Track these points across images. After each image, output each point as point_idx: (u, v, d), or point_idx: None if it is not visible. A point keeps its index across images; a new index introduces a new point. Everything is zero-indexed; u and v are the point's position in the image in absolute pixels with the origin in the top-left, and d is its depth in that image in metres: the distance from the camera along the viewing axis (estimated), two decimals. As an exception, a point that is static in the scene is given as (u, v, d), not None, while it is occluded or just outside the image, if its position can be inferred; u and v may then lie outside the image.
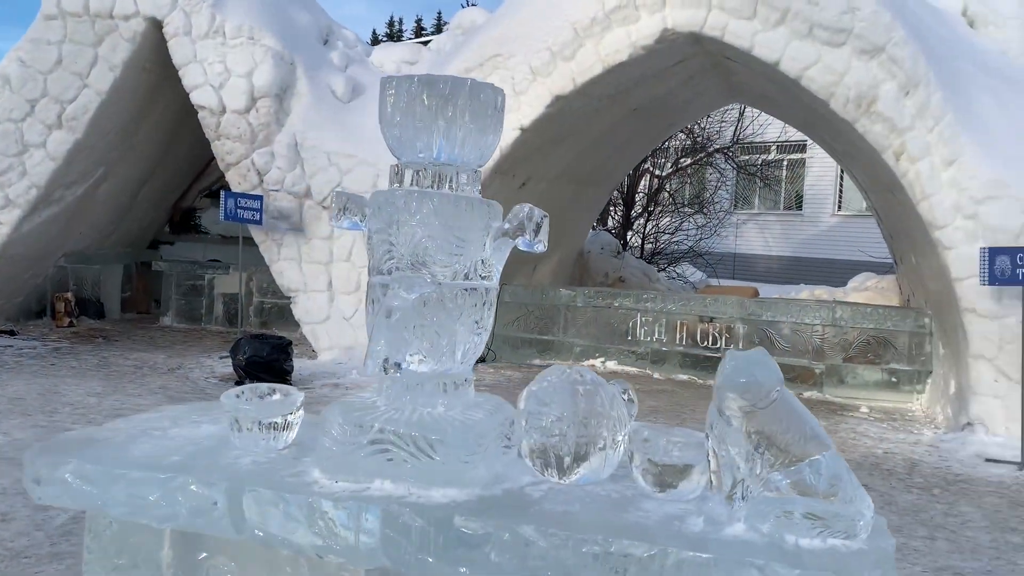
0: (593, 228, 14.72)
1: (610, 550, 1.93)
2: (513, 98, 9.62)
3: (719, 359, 10.66)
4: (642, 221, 16.53)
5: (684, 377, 10.73)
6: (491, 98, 2.38)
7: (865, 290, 13.02)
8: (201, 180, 14.32)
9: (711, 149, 16.93)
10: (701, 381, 10.64)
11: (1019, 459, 7.51)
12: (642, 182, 16.43)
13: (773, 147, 18.92)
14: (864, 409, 9.64)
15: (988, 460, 7.61)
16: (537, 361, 11.35)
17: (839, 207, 19.30)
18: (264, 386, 2.77)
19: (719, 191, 18.11)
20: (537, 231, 2.33)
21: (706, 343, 10.70)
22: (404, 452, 2.26)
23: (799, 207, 19.85)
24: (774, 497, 1.95)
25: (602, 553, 1.94)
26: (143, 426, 2.85)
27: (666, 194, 16.90)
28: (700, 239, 16.83)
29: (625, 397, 2.42)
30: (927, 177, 8.32)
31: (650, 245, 16.56)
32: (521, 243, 2.36)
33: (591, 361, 11.17)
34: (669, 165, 16.70)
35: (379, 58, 11.42)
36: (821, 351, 10.26)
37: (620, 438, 2.34)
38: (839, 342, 10.22)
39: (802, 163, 19.39)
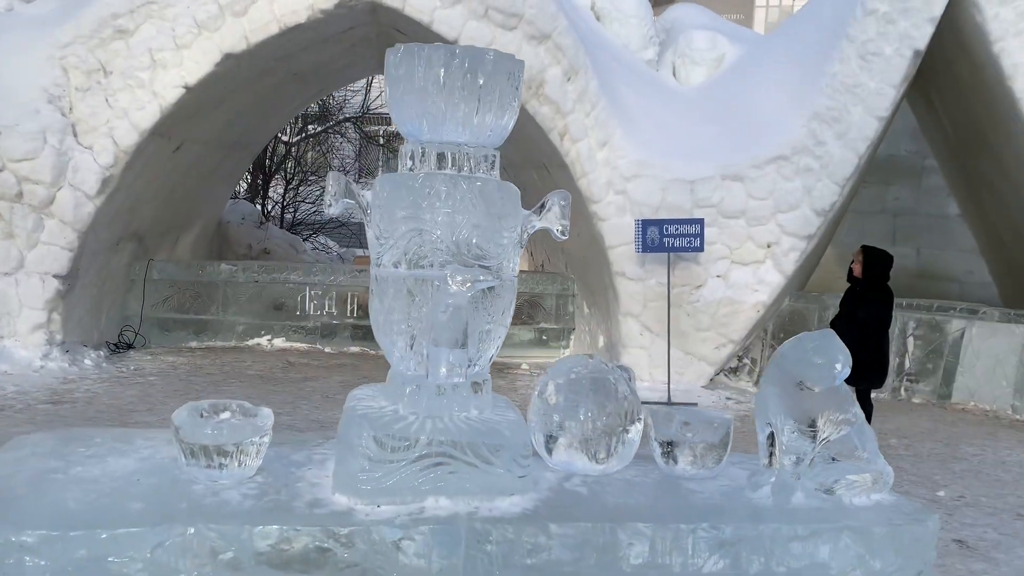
0: (234, 197, 13.85)
1: (721, 535, 2.00)
2: (175, 52, 8.67)
3: (389, 329, 10.84)
4: (280, 190, 15.90)
5: (356, 349, 10.71)
6: (518, 76, 2.23)
7: (499, 257, 14.00)
8: None
9: (340, 118, 16.84)
10: (374, 352, 10.69)
11: (666, 399, 8.82)
12: (277, 148, 15.77)
13: (394, 118, 19.28)
14: (524, 366, 10.50)
15: (643, 403, 8.82)
16: (194, 343, 10.48)
17: (456, 178, 20.43)
18: (205, 403, 2.29)
19: (356, 161, 18.10)
20: (564, 215, 2.25)
21: (375, 314, 10.76)
22: (463, 463, 2.06)
23: (421, 178, 20.57)
24: (832, 465, 2.17)
25: (711, 538, 2.00)
26: (27, 470, 2.17)
27: (292, 162, 16.43)
28: (338, 209, 16.64)
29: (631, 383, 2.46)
30: (586, 157, 9.26)
31: (289, 215, 16.03)
32: (554, 231, 2.26)
33: (257, 340, 10.62)
34: (297, 131, 16.27)
35: (-27, -9, 9.45)
36: (482, 316, 10.92)
37: (639, 424, 2.39)
38: (498, 307, 10.96)
39: (421, 135, 20.10)
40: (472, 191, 2.11)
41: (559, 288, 11.08)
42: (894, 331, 10.03)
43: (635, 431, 2.37)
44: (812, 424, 2.13)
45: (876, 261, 7.22)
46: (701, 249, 8.96)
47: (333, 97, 16.17)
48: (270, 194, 15.76)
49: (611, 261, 9.38)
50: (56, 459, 2.28)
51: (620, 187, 9.27)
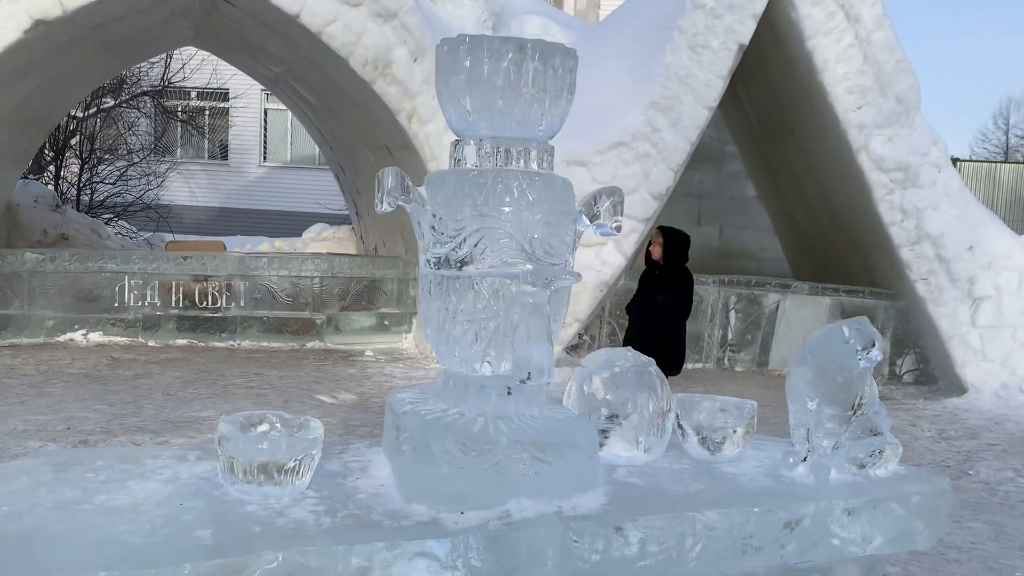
0: (24, 178, 12.38)
1: (790, 514, 2.10)
2: (-26, 15, 7.67)
3: (220, 318, 10.25)
4: (75, 169, 14.39)
5: (183, 342, 10.03)
6: (575, 68, 2.18)
7: (324, 240, 13.67)
8: None
9: (138, 92, 15.48)
10: (203, 344, 10.09)
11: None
12: (69, 125, 14.21)
13: (194, 93, 18.09)
14: (369, 352, 10.31)
15: (498, 385, 8.96)
16: (-4, 341, 9.39)
17: (264, 158, 19.53)
18: (240, 416, 2.07)
19: (161, 138, 16.74)
20: (618, 212, 2.24)
21: (205, 303, 10.15)
22: (542, 463, 2.02)
23: (224, 157, 19.49)
24: (860, 441, 2.34)
25: (778, 519, 2.09)
26: (43, 503, 1.87)
27: (84, 138, 14.94)
28: (146, 191, 15.38)
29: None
30: (435, 139, 9.20)
31: (86, 197, 14.52)
32: (608, 228, 2.24)
33: (69, 335, 9.69)
34: (87, 105, 14.78)
35: None
36: (321, 302, 10.59)
37: (672, 412, 2.45)
38: (337, 292, 10.68)
39: (226, 112, 19.02)
40: (543, 187, 2.06)
41: (400, 272, 10.94)
42: (718, 305, 10.82)
43: (670, 420, 2.43)
44: (851, 407, 2.29)
45: (677, 243, 7.01)
46: (550, 232, 9.19)
47: (130, 69, 14.89)
48: (63, 174, 14.27)
49: (459, 244, 9.40)
50: (69, 488, 1.98)
51: (467, 170, 9.29)
